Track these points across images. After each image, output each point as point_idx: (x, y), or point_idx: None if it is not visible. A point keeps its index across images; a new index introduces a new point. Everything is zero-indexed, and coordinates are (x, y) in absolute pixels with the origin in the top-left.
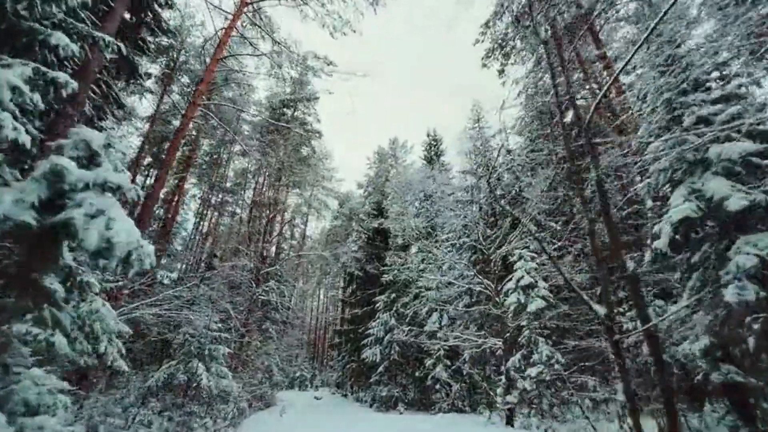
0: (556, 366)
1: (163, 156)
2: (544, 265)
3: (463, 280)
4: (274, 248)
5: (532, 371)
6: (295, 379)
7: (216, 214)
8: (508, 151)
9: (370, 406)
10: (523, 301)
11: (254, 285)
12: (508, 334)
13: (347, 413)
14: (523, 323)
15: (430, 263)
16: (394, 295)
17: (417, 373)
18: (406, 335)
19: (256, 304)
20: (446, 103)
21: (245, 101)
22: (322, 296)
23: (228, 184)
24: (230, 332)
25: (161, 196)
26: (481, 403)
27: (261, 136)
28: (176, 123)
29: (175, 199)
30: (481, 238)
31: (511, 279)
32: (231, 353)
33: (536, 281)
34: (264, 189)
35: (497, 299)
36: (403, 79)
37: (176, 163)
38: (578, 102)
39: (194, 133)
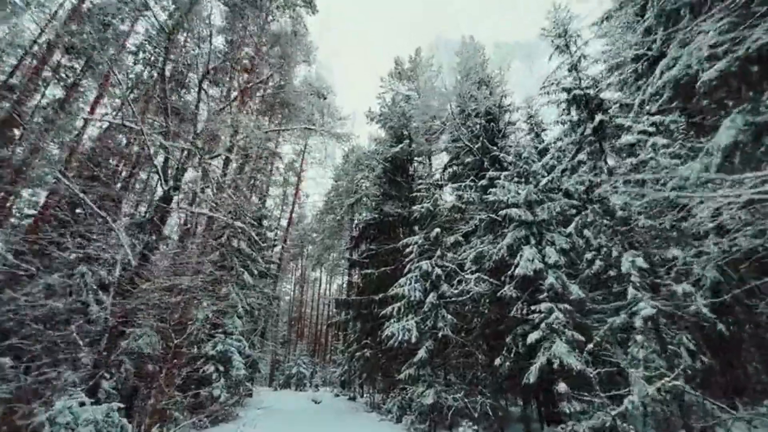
0: None
1: None
2: None
3: None
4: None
5: None
6: (291, 377)
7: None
8: None
9: (398, 420)
10: None
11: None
12: None
13: None
14: None
15: (506, 167)
16: (437, 231)
17: (500, 360)
18: (477, 284)
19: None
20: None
21: None
22: (323, 282)
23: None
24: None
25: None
26: None
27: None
28: None
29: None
30: None
31: None
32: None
33: None
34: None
35: None
36: None
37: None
38: None
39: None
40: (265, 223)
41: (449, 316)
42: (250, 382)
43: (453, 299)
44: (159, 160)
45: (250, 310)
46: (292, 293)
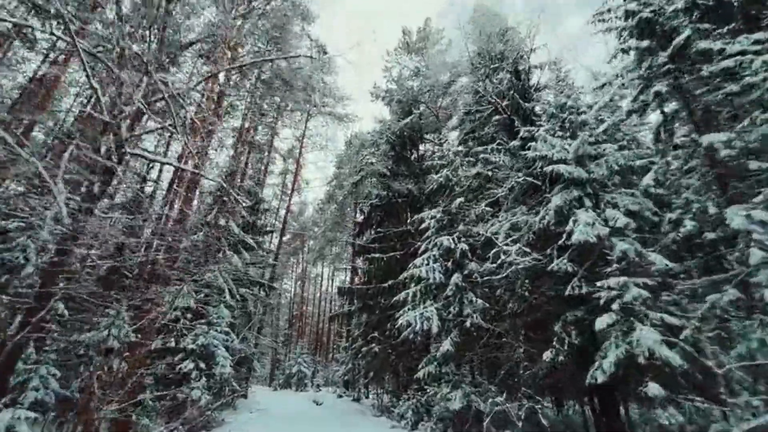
0: None
1: None
2: None
3: None
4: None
5: None
6: (292, 377)
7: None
8: None
9: (413, 426)
10: None
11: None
12: None
13: None
14: None
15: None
16: (459, 201)
17: (551, 354)
18: (518, 258)
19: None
20: None
21: None
22: (325, 278)
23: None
24: None
25: None
26: None
27: None
28: None
29: None
30: None
31: None
32: None
33: None
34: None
35: None
36: None
37: None
38: None
39: None
40: (263, 206)
41: (479, 301)
42: (245, 381)
43: (485, 279)
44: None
45: (243, 301)
46: (292, 290)
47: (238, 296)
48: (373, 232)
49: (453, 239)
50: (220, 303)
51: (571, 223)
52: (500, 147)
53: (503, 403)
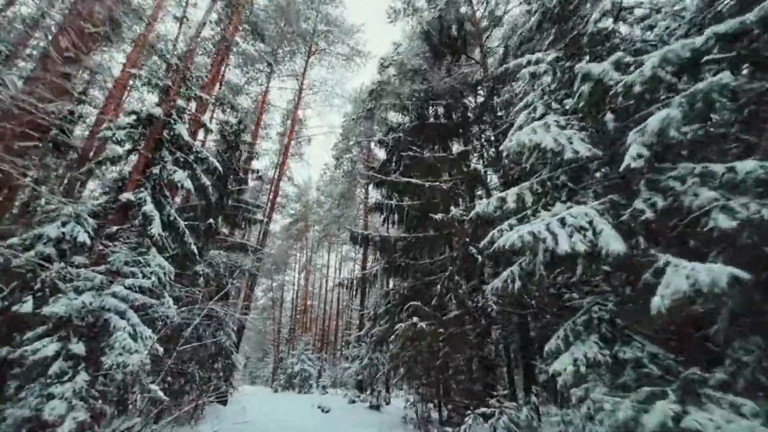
0: None
1: None
2: None
3: None
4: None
5: None
6: (294, 376)
7: None
8: None
9: None
10: None
11: None
12: None
13: None
14: None
15: None
16: (601, 14)
17: None
18: None
19: None
20: None
21: None
22: (332, 268)
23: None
24: None
25: None
26: None
27: None
28: None
29: None
30: None
31: None
32: None
33: None
34: None
35: None
36: None
37: None
38: None
39: None
40: (255, 150)
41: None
42: (223, 380)
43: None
44: None
45: (211, 265)
46: (296, 283)
47: (194, 250)
48: (402, 163)
49: (612, 64)
50: (145, 243)
51: None
52: None
53: None
